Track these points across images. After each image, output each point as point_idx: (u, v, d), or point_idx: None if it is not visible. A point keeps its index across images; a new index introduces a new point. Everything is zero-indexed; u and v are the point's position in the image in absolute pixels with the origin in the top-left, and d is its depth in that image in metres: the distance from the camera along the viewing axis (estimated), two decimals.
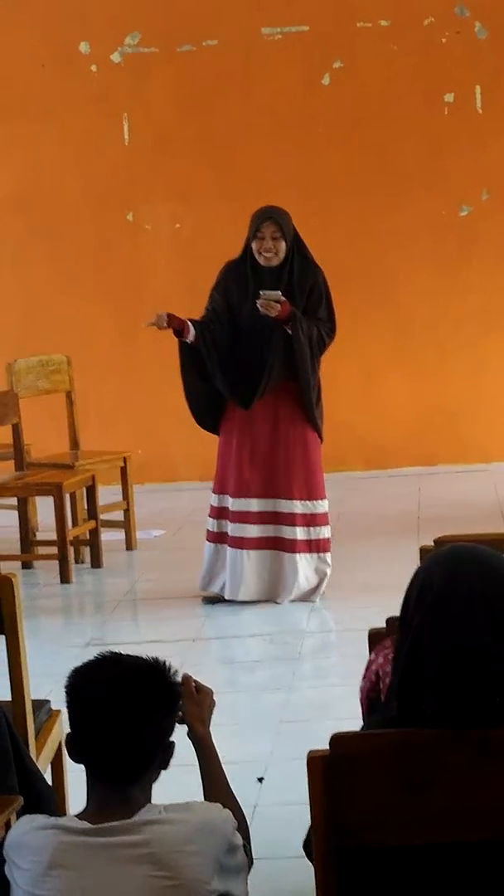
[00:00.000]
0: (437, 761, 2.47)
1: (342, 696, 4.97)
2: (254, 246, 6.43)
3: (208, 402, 6.61)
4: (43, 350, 8.37)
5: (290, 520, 6.57)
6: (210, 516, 6.74)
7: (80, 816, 2.64)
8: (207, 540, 6.76)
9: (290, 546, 6.59)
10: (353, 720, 3.12)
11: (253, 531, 6.58)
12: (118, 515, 8.02)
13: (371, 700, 3.05)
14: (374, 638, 3.27)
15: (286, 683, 5.61)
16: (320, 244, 9.47)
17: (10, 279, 9.64)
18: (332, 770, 2.47)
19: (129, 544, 8.01)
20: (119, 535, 8.02)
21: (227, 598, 6.65)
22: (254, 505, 6.57)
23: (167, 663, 2.74)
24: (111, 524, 7.98)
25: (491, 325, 9.57)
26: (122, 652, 2.78)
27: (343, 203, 9.54)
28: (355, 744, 2.49)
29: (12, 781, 3.29)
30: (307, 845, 2.63)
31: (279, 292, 6.33)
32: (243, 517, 6.58)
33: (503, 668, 2.49)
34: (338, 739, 2.48)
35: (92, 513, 7.69)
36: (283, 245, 6.41)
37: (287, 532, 6.58)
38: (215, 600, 6.69)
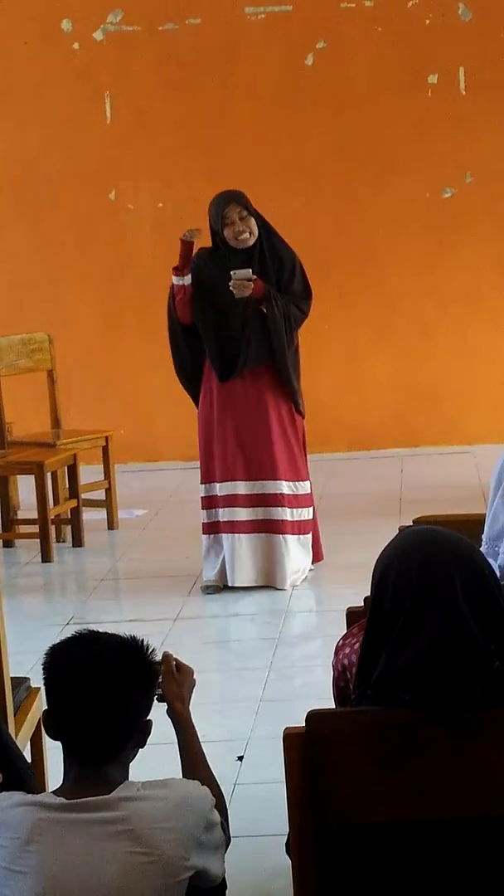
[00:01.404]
0: (413, 739, 2.48)
1: (323, 676, 4.97)
2: (226, 234, 6.36)
3: (192, 358, 6.54)
4: (27, 329, 8.35)
5: (279, 500, 6.53)
6: (202, 507, 6.67)
7: (56, 793, 2.64)
8: (203, 532, 6.68)
9: (280, 528, 6.55)
10: (332, 701, 3.12)
11: (243, 514, 6.53)
12: (100, 495, 8.02)
13: (340, 689, 3.06)
14: (352, 617, 3.28)
15: (267, 663, 5.62)
16: (304, 225, 9.50)
17: None
18: (309, 747, 2.48)
19: (111, 524, 8.01)
20: (101, 514, 8.02)
21: (228, 584, 6.60)
22: (241, 488, 6.53)
23: (145, 641, 2.74)
24: (93, 503, 7.98)
25: (475, 308, 9.57)
26: (101, 630, 2.78)
27: (327, 184, 9.52)
28: (331, 721, 2.50)
29: None
30: (289, 847, 2.63)
31: (249, 271, 6.29)
32: (233, 501, 6.54)
33: (488, 658, 2.50)
34: (314, 717, 2.49)
35: (73, 492, 7.69)
36: (251, 222, 6.35)
37: (276, 513, 6.54)
38: (214, 589, 6.63)
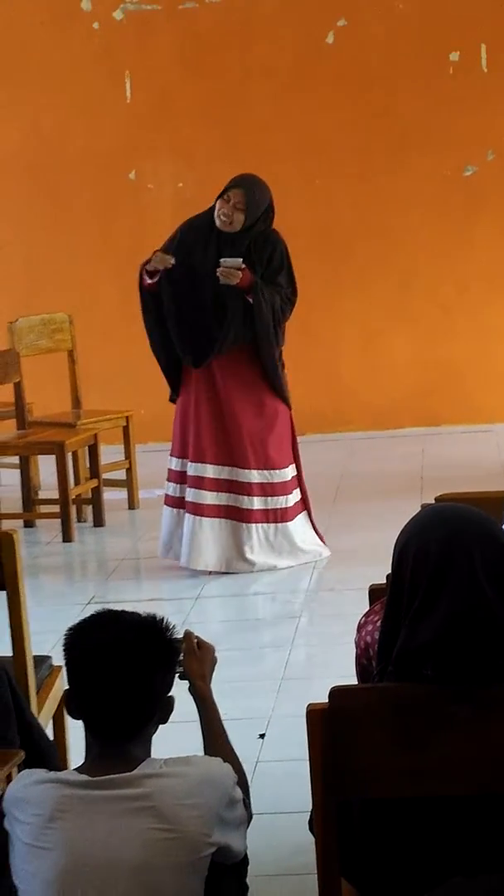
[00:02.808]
0: (435, 715, 2.48)
1: (343, 654, 4.96)
2: (217, 204, 6.34)
3: (169, 355, 6.54)
4: (47, 309, 8.36)
5: (247, 489, 6.47)
6: (169, 480, 6.65)
7: (79, 770, 2.65)
8: (166, 504, 6.67)
9: (246, 516, 6.50)
10: (353, 678, 3.12)
11: (209, 498, 6.48)
12: (120, 475, 8.02)
13: (363, 666, 3.06)
14: (375, 594, 3.28)
15: (288, 641, 5.63)
16: (323, 204, 9.49)
17: (13, 239, 9.62)
18: (332, 723, 2.48)
19: (132, 503, 8.02)
20: (121, 494, 8.03)
21: (182, 565, 6.56)
22: (210, 471, 6.48)
23: (165, 619, 2.74)
24: (113, 483, 7.98)
25: (496, 286, 9.53)
26: (123, 609, 2.78)
27: (346, 163, 9.49)
28: (354, 697, 2.51)
29: (13, 736, 3.30)
30: (312, 823, 2.63)
31: (240, 260, 6.26)
32: (200, 483, 6.50)
33: None
34: (337, 693, 2.50)
35: (94, 472, 7.70)
36: (240, 216, 6.28)
37: (243, 502, 6.48)
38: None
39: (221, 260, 6.24)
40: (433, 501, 3.39)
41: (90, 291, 9.50)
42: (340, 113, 9.46)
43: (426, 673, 2.51)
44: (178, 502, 6.61)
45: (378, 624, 2.81)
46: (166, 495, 6.69)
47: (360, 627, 3.07)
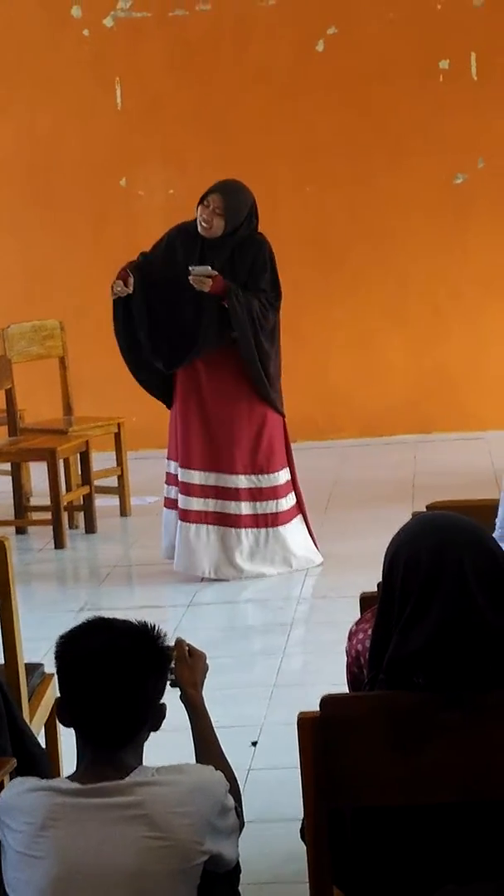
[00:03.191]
0: (427, 722, 2.48)
1: (335, 662, 4.96)
2: (198, 210, 6.37)
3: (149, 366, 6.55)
4: (38, 316, 8.35)
5: (234, 494, 6.47)
6: (167, 482, 6.68)
7: (71, 778, 2.65)
8: (165, 506, 6.70)
9: (235, 521, 6.50)
10: (345, 686, 3.13)
11: (196, 504, 6.50)
12: (112, 481, 8.02)
13: (354, 674, 3.06)
14: (366, 602, 3.28)
15: (280, 649, 5.63)
16: (315, 211, 9.49)
17: (4, 245, 9.61)
18: (323, 731, 2.49)
19: (124, 510, 8.02)
20: (113, 501, 8.03)
21: (175, 569, 6.57)
22: (196, 477, 6.49)
23: (157, 626, 2.74)
24: (105, 490, 7.98)
25: (488, 293, 9.55)
26: (113, 616, 2.78)
27: (338, 170, 9.51)
28: (346, 705, 2.51)
29: (5, 743, 3.30)
30: (304, 832, 2.64)
31: (209, 267, 6.27)
32: (188, 489, 6.51)
33: (499, 640, 2.51)
34: (328, 701, 2.50)
35: (86, 478, 7.70)
36: (220, 222, 6.30)
37: (231, 507, 6.48)
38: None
39: (190, 268, 6.27)
40: (424, 510, 3.39)
41: (82, 298, 9.50)
42: (331, 120, 9.47)
43: (417, 680, 2.52)
44: (175, 504, 6.61)
45: (369, 632, 2.81)
46: (166, 498, 6.70)
47: (351, 635, 3.08)
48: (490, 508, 3.68)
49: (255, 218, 6.43)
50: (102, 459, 8.15)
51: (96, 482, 7.78)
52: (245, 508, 6.49)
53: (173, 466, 6.64)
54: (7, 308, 9.14)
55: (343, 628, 3.27)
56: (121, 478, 8.00)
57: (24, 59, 9.48)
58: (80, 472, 7.79)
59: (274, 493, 6.54)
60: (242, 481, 6.49)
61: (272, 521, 6.54)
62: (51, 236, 9.59)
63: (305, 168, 9.48)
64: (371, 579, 3.41)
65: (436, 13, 9.38)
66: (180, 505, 6.52)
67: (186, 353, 6.38)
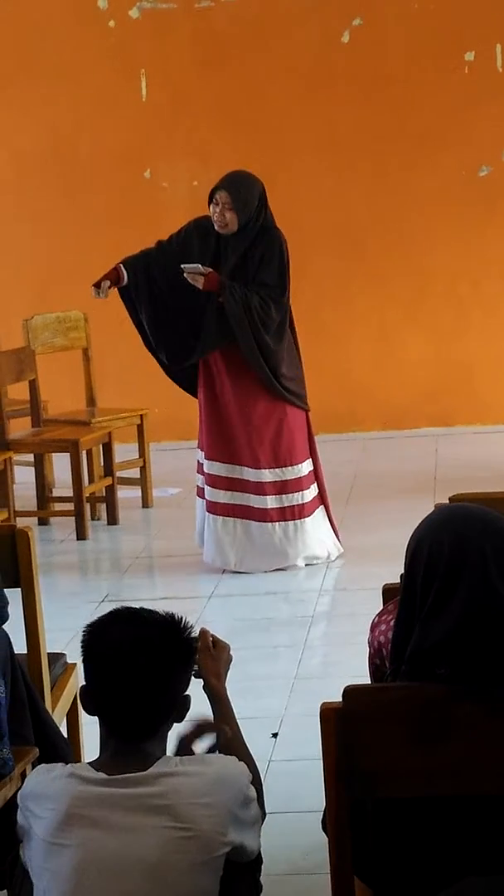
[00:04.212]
0: (449, 714, 2.48)
1: (356, 654, 4.97)
2: (210, 209, 6.38)
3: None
4: (62, 307, 8.37)
5: (260, 489, 6.48)
6: (198, 472, 6.69)
7: (95, 766, 2.65)
8: (198, 496, 6.71)
9: (262, 515, 6.50)
10: (366, 678, 3.13)
11: (222, 497, 6.51)
12: (134, 473, 8.04)
13: (376, 666, 3.07)
14: (389, 594, 3.28)
15: (300, 641, 5.63)
16: (338, 203, 9.48)
17: (28, 236, 9.63)
18: (345, 722, 2.49)
19: (146, 502, 8.03)
20: (135, 492, 8.04)
21: (204, 560, 6.58)
22: (222, 470, 6.50)
23: (184, 618, 2.74)
24: (127, 481, 8.00)
25: None
26: (141, 607, 2.78)
27: (361, 162, 9.49)
28: (368, 696, 2.51)
29: (28, 732, 3.32)
30: (325, 823, 2.64)
31: (199, 265, 6.27)
32: (214, 481, 6.52)
33: None
34: (351, 692, 2.50)
35: (108, 470, 7.71)
36: (232, 216, 6.30)
37: (257, 501, 6.49)
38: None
39: (182, 266, 6.28)
40: (447, 501, 3.39)
41: None
42: (356, 112, 9.45)
43: (440, 672, 2.52)
44: (203, 494, 6.63)
45: (391, 623, 2.82)
46: (197, 486, 6.69)
47: (373, 627, 3.08)
48: None
49: (265, 207, 6.40)
50: (125, 451, 8.17)
51: (119, 473, 7.79)
52: (271, 502, 6.50)
53: (201, 456, 6.64)
54: (31, 299, 9.16)
55: (364, 620, 3.28)
56: (143, 469, 8.02)
57: (49, 50, 9.49)
58: (102, 464, 7.80)
59: (298, 484, 6.54)
60: (266, 475, 6.49)
61: (299, 512, 6.55)
62: (75, 228, 9.60)
63: (329, 160, 9.47)
64: (392, 571, 3.41)
65: (461, 4, 9.35)
66: (207, 497, 6.54)
67: (191, 350, 6.39)
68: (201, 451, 6.64)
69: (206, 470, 6.54)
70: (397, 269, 9.55)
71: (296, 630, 5.79)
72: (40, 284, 9.52)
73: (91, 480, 7.78)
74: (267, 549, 6.52)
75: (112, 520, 7.70)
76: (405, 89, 9.42)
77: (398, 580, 3.29)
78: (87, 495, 7.54)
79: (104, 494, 7.72)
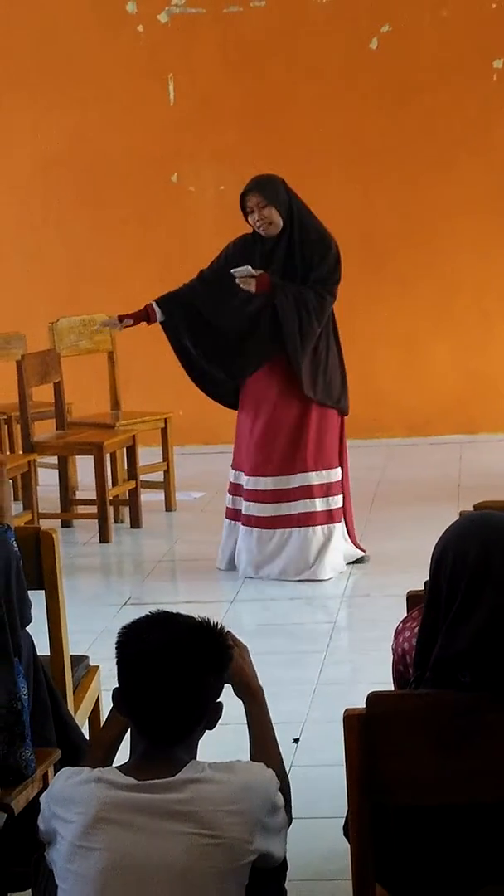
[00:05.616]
0: (472, 722, 2.48)
1: (379, 660, 4.97)
2: (249, 222, 6.38)
3: (210, 374, 6.58)
4: (87, 310, 8.39)
5: (308, 492, 6.48)
6: (228, 493, 6.68)
7: (123, 770, 2.64)
8: (226, 517, 6.70)
9: (311, 519, 6.50)
10: (389, 685, 3.12)
11: (268, 510, 6.49)
12: (158, 476, 8.04)
13: (400, 673, 3.06)
14: (413, 601, 3.28)
15: (323, 647, 5.63)
16: (364, 211, 9.48)
17: (55, 239, 9.66)
18: (368, 728, 2.49)
19: (169, 505, 8.04)
20: (158, 495, 8.05)
21: (246, 575, 6.56)
22: (269, 483, 6.48)
23: (219, 624, 2.73)
24: (151, 485, 8.01)
25: None
26: (175, 611, 2.77)
27: (388, 170, 9.49)
28: (391, 703, 2.51)
29: (50, 734, 3.32)
30: (347, 829, 2.64)
31: (248, 267, 6.27)
32: (259, 496, 6.50)
33: None
34: (374, 698, 2.50)
35: (132, 473, 7.72)
36: (271, 211, 6.30)
37: (307, 506, 6.49)
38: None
39: (232, 271, 6.28)
40: (472, 509, 3.38)
41: (131, 293, 9.49)
42: (383, 118, 9.45)
43: (463, 680, 2.51)
44: (233, 514, 6.63)
45: (415, 630, 2.81)
46: (227, 507, 6.69)
47: (397, 634, 3.07)
48: None
49: (295, 197, 6.40)
50: (149, 454, 8.18)
51: (142, 477, 7.80)
52: (319, 505, 6.50)
53: (233, 475, 6.63)
54: (57, 303, 9.18)
55: (387, 627, 3.27)
56: (167, 473, 8.02)
57: (78, 54, 9.51)
58: (126, 467, 7.81)
59: (338, 488, 6.57)
60: (314, 478, 6.49)
61: (337, 516, 6.55)
62: (101, 231, 9.62)
63: (355, 166, 9.47)
64: (415, 578, 3.41)
65: (489, 11, 9.35)
66: (247, 511, 6.50)
67: (247, 363, 6.39)
68: (235, 470, 6.61)
69: (247, 486, 6.51)
70: (423, 277, 9.55)
71: (318, 636, 5.78)
72: (66, 287, 9.54)
73: (115, 483, 7.79)
74: (315, 556, 6.50)
75: (135, 523, 7.70)
76: (433, 97, 9.41)
77: (422, 587, 3.29)
78: (111, 498, 7.55)
79: (127, 497, 7.73)
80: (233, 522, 6.64)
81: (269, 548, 6.51)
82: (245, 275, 6.28)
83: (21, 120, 9.63)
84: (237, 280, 6.30)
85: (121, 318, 6.69)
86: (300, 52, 9.46)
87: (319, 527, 6.52)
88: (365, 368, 9.59)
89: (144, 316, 6.61)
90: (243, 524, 6.54)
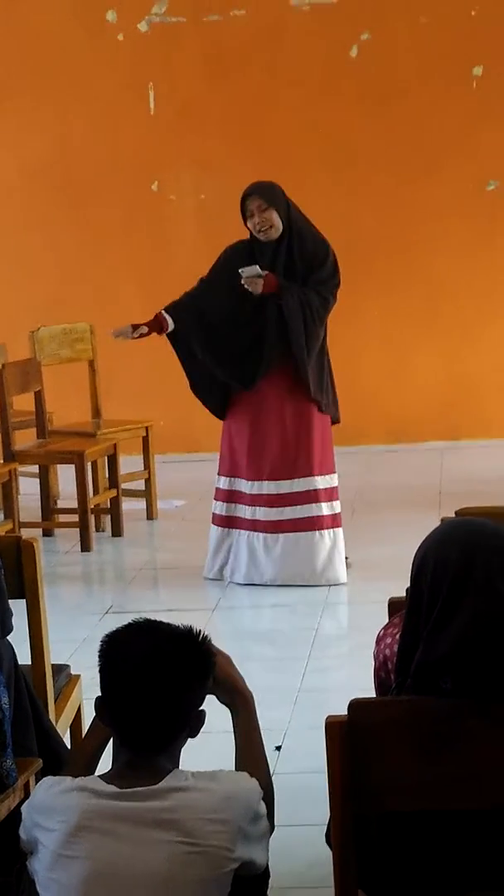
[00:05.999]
0: (453, 729, 2.48)
1: (361, 667, 4.96)
2: (248, 226, 6.38)
3: (213, 385, 6.56)
4: (68, 319, 8.38)
5: (314, 497, 6.50)
6: (218, 499, 6.66)
7: (106, 779, 2.64)
8: (215, 524, 6.68)
9: (318, 523, 6.51)
10: (370, 692, 3.12)
11: (273, 514, 6.49)
12: (139, 485, 8.04)
13: (381, 679, 3.06)
14: (394, 607, 3.28)
15: (305, 654, 5.63)
16: (346, 218, 9.49)
17: (36, 248, 9.65)
18: (350, 736, 2.48)
19: (150, 514, 8.03)
20: (140, 504, 8.04)
21: (242, 581, 6.55)
22: (272, 488, 6.49)
23: (202, 632, 2.73)
24: (132, 493, 8.00)
25: None
26: (158, 620, 2.76)
27: (370, 176, 9.51)
28: (373, 710, 2.51)
29: (31, 744, 3.31)
30: (329, 836, 2.63)
31: (257, 267, 6.27)
32: (261, 500, 6.50)
33: None
34: (356, 706, 2.50)
35: (113, 481, 7.71)
36: (273, 215, 6.32)
37: (313, 510, 6.50)
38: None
39: (240, 271, 6.27)
40: (453, 515, 3.38)
41: (112, 301, 9.52)
42: (363, 126, 9.47)
43: (444, 686, 2.51)
44: (227, 521, 6.59)
45: (397, 637, 2.81)
46: (214, 514, 6.65)
47: (378, 640, 3.07)
48: None
49: (292, 203, 6.44)
50: (130, 463, 8.17)
51: (124, 485, 7.80)
52: (325, 509, 6.51)
53: (226, 482, 6.60)
54: (37, 311, 9.17)
55: (369, 633, 3.27)
56: (148, 481, 8.02)
57: (58, 63, 9.51)
58: (107, 476, 7.81)
59: (337, 493, 6.58)
60: (319, 482, 6.49)
61: (339, 520, 6.57)
62: (82, 240, 9.62)
63: (336, 173, 9.48)
64: (398, 584, 3.41)
65: (469, 19, 9.37)
66: (250, 517, 6.49)
67: (259, 367, 6.38)
68: (230, 476, 6.59)
69: (250, 491, 6.49)
70: (406, 282, 9.56)
71: (300, 643, 5.78)
72: (47, 296, 9.53)
73: (96, 492, 7.78)
74: (312, 561, 6.50)
75: (117, 531, 7.70)
76: (413, 104, 9.43)
77: (403, 593, 3.29)
78: (92, 507, 7.54)
79: (109, 506, 7.72)
80: (226, 530, 6.62)
81: (277, 552, 6.50)
82: (253, 275, 6.26)
83: (2, 128, 9.62)
84: (243, 280, 6.28)
85: (134, 327, 6.56)
86: (280, 61, 9.47)
87: (326, 531, 6.53)
88: (348, 374, 9.56)
89: (157, 325, 6.52)
90: (246, 529, 6.53)
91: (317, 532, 6.52)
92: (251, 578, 6.55)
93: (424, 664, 2.54)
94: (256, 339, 6.36)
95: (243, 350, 6.38)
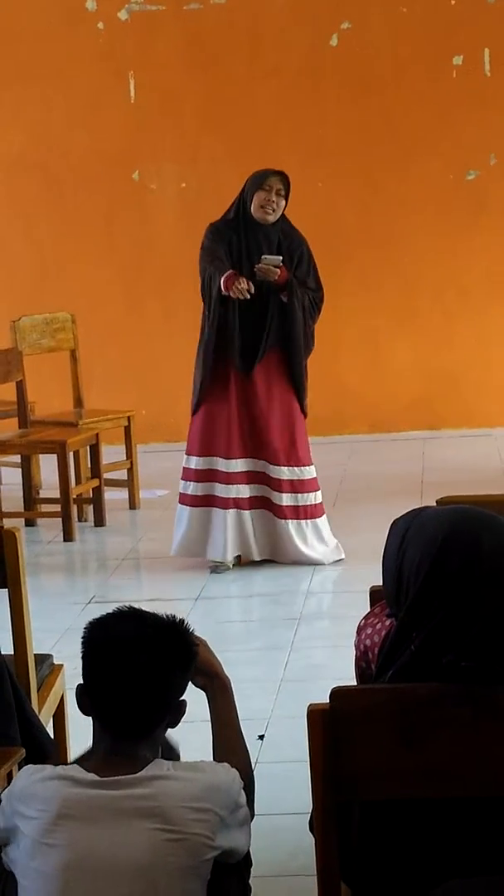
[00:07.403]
0: (436, 716, 2.49)
1: (343, 656, 4.97)
2: (257, 197, 6.35)
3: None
4: (50, 308, 8.37)
5: (277, 485, 6.54)
6: (189, 479, 6.63)
7: (86, 767, 2.65)
8: (186, 504, 6.65)
9: (278, 512, 6.56)
10: (353, 680, 3.13)
11: (245, 491, 6.54)
12: (122, 475, 8.04)
13: (362, 669, 3.07)
14: (376, 596, 3.28)
15: (287, 643, 5.64)
16: (326, 207, 9.49)
17: (16, 237, 9.63)
18: (332, 723, 2.49)
19: (133, 503, 8.03)
20: (122, 494, 8.04)
21: (214, 559, 6.59)
22: (244, 465, 6.53)
23: (185, 622, 2.74)
24: (114, 483, 8.00)
25: (497, 291, 9.55)
26: (143, 608, 2.77)
27: (349, 166, 9.51)
28: (355, 698, 2.51)
29: (14, 733, 3.31)
30: (312, 824, 2.64)
31: (280, 257, 6.30)
32: (236, 478, 6.53)
33: None
34: (338, 693, 2.50)
35: (95, 471, 7.71)
36: (283, 203, 6.40)
37: (274, 497, 6.55)
38: (222, 567, 6.64)
39: (263, 257, 6.27)
40: (435, 503, 3.39)
41: (93, 291, 9.51)
42: (344, 115, 9.47)
43: (444, 661, 2.50)
44: (204, 500, 6.59)
45: (378, 627, 2.82)
46: (185, 494, 6.65)
47: (359, 630, 3.07)
48: (499, 504, 3.67)
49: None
50: (112, 452, 8.17)
51: (106, 475, 7.79)
52: (286, 500, 6.53)
53: (203, 462, 6.59)
54: (19, 301, 9.16)
55: (351, 622, 3.27)
56: (130, 471, 8.02)
57: (38, 52, 9.49)
58: (89, 465, 7.80)
59: (312, 484, 6.60)
60: (285, 472, 6.52)
61: (311, 512, 6.58)
62: (63, 229, 9.60)
63: (317, 163, 9.48)
64: (379, 574, 3.42)
65: (449, 9, 9.37)
66: (225, 494, 6.51)
67: (257, 352, 6.41)
68: (207, 456, 6.59)
69: (227, 469, 6.51)
70: (385, 273, 9.57)
71: (282, 632, 5.79)
72: (28, 286, 9.52)
73: (78, 482, 7.78)
74: (287, 545, 6.57)
75: (99, 521, 7.69)
76: (393, 93, 9.44)
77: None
78: (74, 496, 7.53)
79: (91, 496, 7.72)
80: (205, 510, 6.59)
81: (248, 528, 6.54)
82: (275, 264, 6.26)
83: None
84: (259, 266, 6.26)
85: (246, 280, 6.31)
86: (260, 50, 9.47)
87: (284, 520, 6.54)
88: (327, 365, 9.61)
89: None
90: (221, 507, 6.52)
91: (303, 521, 6.56)
92: (250, 554, 6.59)
93: (428, 641, 2.53)
94: (254, 324, 6.36)
95: (242, 333, 6.37)
